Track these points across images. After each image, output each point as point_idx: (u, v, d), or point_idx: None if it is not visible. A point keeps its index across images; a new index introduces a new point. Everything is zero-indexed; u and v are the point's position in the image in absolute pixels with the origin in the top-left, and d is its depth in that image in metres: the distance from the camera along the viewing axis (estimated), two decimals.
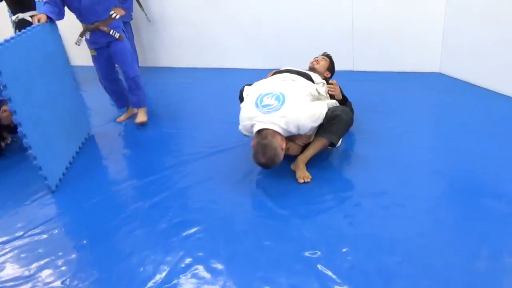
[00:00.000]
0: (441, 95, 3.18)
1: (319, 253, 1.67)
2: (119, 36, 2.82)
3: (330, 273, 1.56)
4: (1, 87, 2.04)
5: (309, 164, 2.24)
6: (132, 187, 2.35)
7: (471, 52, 3.15)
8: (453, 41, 3.32)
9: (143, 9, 4.29)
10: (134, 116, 3.25)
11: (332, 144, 2.24)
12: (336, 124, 2.16)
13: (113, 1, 2.82)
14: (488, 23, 2.92)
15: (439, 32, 3.39)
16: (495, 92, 2.99)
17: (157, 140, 2.92)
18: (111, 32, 2.79)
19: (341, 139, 2.34)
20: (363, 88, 3.33)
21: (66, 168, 2.60)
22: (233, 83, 2.90)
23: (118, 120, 3.27)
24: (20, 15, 3.22)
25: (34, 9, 3.32)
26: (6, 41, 2.16)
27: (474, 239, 1.65)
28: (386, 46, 3.64)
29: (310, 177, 2.15)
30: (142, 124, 3.09)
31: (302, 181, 2.13)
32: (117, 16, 2.81)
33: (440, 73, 3.51)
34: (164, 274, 1.66)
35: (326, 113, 2.17)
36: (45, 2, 2.67)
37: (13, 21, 3.30)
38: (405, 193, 1.98)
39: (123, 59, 2.92)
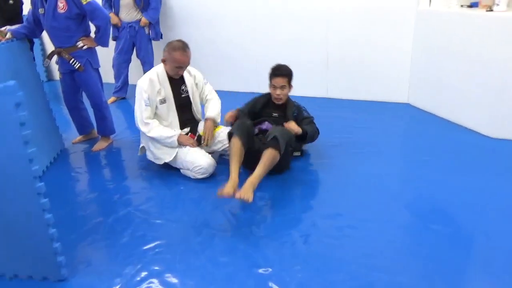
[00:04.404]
0: (407, 125, 3.35)
1: (271, 270, 1.73)
2: (79, 67, 2.80)
3: None
4: None
5: (271, 184, 2.35)
6: (97, 201, 2.39)
7: (435, 86, 3.34)
8: (419, 75, 3.52)
9: None
10: (92, 139, 3.27)
11: (279, 150, 2.23)
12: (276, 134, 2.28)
13: (78, 30, 2.77)
14: (451, 60, 3.12)
15: (407, 65, 3.59)
16: (456, 124, 3.16)
17: (130, 158, 2.97)
18: (71, 61, 2.79)
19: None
20: (336, 114, 3.48)
21: None
22: None
23: (73, 142, 3.25)
24: (8, 28, 3.30)
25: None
26: None
27: (419, 260, 1.74)
28: (359, 77, 3.83)
29: (248, 198, 2.00)
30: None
31: (238, 196, 2.01)
32: (84, 47, 2.79)
33: (408, 104, 3.70)
34: (118, 287, 1.69)
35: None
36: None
37: None
38: (359, 216, 2.08)
39: (87, 88, 2.95)
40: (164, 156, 2.60)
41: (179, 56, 2.44)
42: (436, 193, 2.25)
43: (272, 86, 2.63)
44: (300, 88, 4.11)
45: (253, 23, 4.09)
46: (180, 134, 2.58)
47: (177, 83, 2.62)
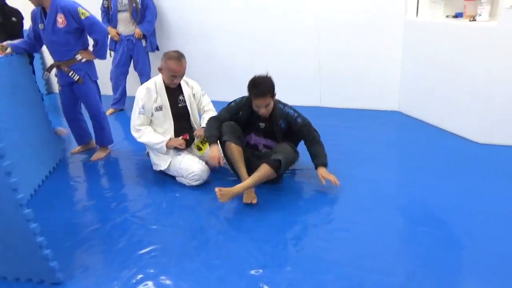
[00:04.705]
0: (399, 132, 3.42)
1: (263, 271, 1.79)
2: (78, 79, 2.89)
3: None
4: None
5: (264, 189, 2.42)
6: (95, 208, 2.45)
7: (425, 94, 3.43)
8: (409, 83, 3.61)
9: None
10: (91, 149, 3.34)
11: (278, 169, 2.31)
12: (280, 152, 2.36)
13: (76, 44, 2.86)
14: (439, 69, 3.22)
15: (397, 74, 3.69)
16: (446, 130, 3.24)
17: (127, 167, 3.05)
18: (70, 74, 2.88)
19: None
20: (329, 123, 3.55)
21: (35, 190, 2.69)
22: None
23: (72, 152, 3.31)
24: (8, 43, 3.39)
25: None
26: None
27: (411, 262, 1.81)
28: (351, 86, 3.92)
29: (252, 200, 2.33)
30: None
31: (248, 201, 2.32)
32: (83, 60, 2.89)
33: (399, 112, 3.78)
34: None
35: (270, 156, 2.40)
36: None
37: None
38: (352, 219, 2.14)
39: (85, 100, 3.05)
40: (160, 162, 2.68)
41: (173, 66, 2.55)
42: (428, 198, 2.31)
43: (255, 105, 2.42)
44: (293, 97, 4.20)
45: (246, 34, 4.20)
46: (170, 139, 2.66)
47: (174, 92, 2.71)
